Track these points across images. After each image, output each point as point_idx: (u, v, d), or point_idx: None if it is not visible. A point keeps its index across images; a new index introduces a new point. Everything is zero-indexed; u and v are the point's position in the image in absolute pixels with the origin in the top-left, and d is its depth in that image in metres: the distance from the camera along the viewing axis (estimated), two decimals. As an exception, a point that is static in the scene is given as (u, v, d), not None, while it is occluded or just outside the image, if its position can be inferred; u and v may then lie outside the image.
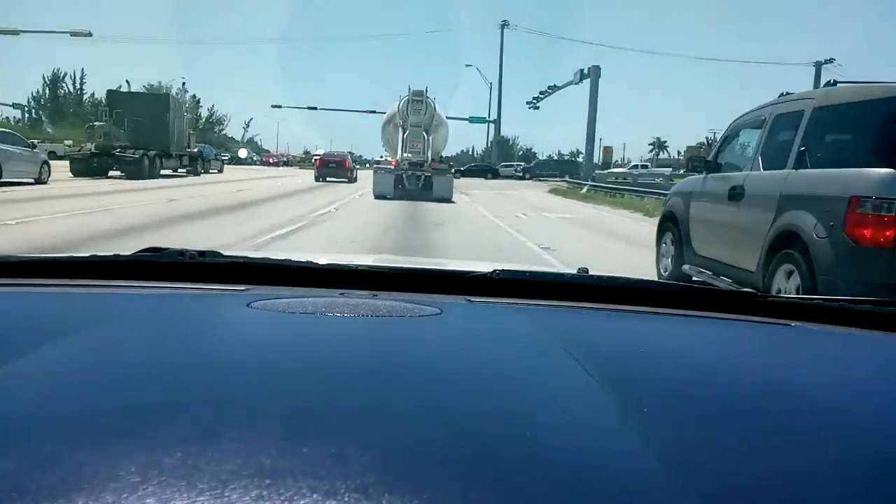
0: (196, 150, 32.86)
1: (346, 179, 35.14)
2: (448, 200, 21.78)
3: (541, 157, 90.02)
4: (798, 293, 4.61)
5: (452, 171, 23.38)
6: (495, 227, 14.08)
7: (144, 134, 27.92)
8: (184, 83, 74.76)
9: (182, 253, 1.24)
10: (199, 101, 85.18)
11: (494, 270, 1.27)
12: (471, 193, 28.65)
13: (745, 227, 5.79)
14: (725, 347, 1.03)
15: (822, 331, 1.12)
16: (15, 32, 36.57)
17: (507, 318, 1.11)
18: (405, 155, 22.53)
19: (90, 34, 36.74)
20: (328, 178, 35.33)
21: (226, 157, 44.25)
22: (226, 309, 1.08)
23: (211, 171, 37.05)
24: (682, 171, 50.61)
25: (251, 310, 0.99)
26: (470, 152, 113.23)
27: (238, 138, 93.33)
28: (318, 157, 42.23)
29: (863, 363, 1.00)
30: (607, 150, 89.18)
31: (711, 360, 0.95)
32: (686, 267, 6.94)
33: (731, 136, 7.05)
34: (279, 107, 74.92)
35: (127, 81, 30.30)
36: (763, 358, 0.99)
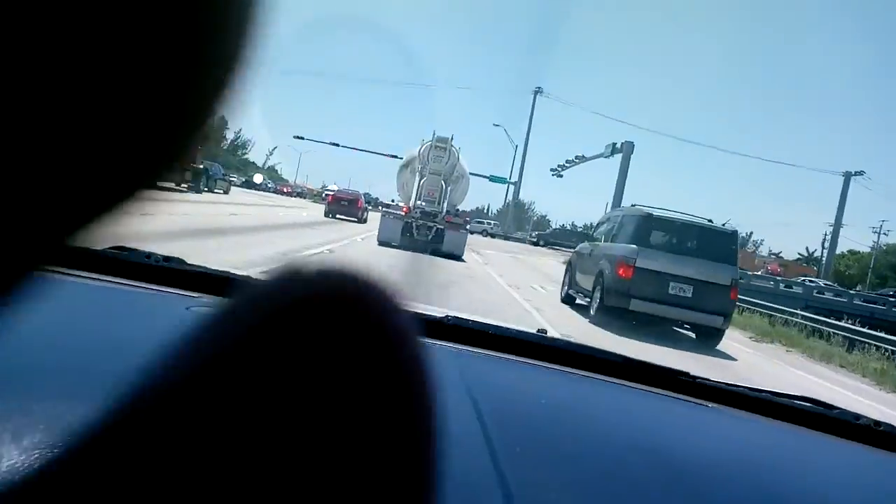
0: (201, 165, 31.01)
1: (355, 219, 33.82)
2: (458, 258, 19.78)
3: (555, 226, 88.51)
4: (601, 301, 11.17)
5: (467, 227, 21.43)
6: (511, 302, 11.97)
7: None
8: None
9: (148, 255, 1.29)
10: (226, 122, 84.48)
11: (447, 316, 1.32)
12: (483, 254, 26.67)
13: (591, 269, 12.14)
14: (626, 413, 1.08)
15: (733, 414, 1.17)
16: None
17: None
18: (419, 203, 20.61)
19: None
20: (338, 216, 33.98)
21: (234, 179, 42.36)
22: (159, 308, 1.10)
23: (216, 190, 35.26)
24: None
25: (186, 312, 1.00)
26: (486, 210, 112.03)
27: (260, 164, 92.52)
28: (330, 193, 40.61)
29: (752, 446, 1.06)
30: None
31: (606, 423, 0.99)
32: (571, 291, 13.64)
33: (597, 224, 14.98)
34: (301, 138, 73.44)
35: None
36: (655, 427, 1.03)
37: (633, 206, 12.57)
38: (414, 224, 20.51)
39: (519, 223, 72.07)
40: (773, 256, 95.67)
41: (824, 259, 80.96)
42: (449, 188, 21.17)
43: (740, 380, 1.36)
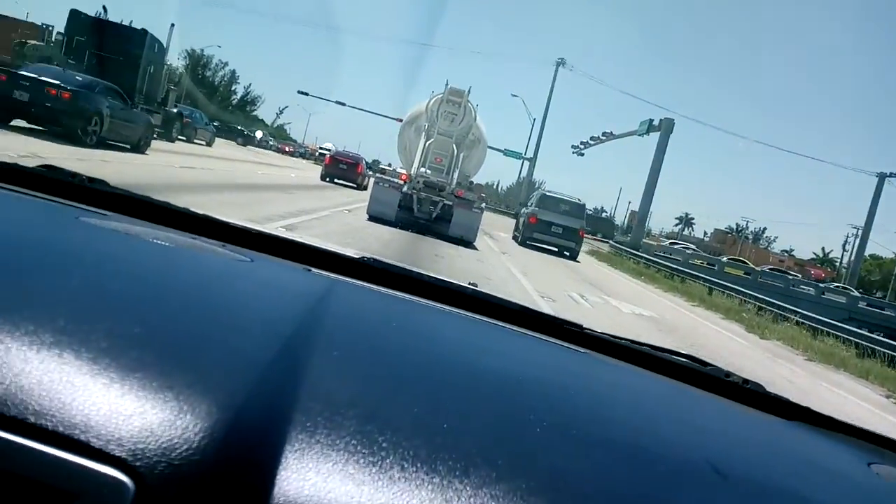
0: (175, 110, 26.65)
1: (354, 185, 29.91)
2: (469, 244, 15.54)
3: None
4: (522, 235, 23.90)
5: (482, 204, 17.08)
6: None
7: (104, 75, 21.78)
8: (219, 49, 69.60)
9: (73, 175, 1.30)
10: (236, 76, 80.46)
11: (364, 257, 1.29)
12: (497, 237, 22.39)
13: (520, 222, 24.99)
14: (495, 351, 1.05)
15: (615, 365, 1.17)
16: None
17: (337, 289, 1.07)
18: (423, 170, 16.29)
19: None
20: (336, 180, 30.12)
21: (213, 127, 37.30)
22: (55, 219, 1.08)
23: (196, 140, 30.95)
24: (723, 258, 44.83)
25: (78, 221, 1.00)
26: (496, 186, 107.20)
27: (269, 122, 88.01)
28: (327, 153, 36.27)
29: (627, 391, 1.06)
30: (634, 215, 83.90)
31: (460, 353, 0.97)
32: (515, 233, 25.29)
33: (531, 200, 26.59)
34: (305, 94, 69.03)
35: (104, 7, 23.98)
36: (524, 365, 1.01)
37: (541, 189, 29.30)
38: (415, 196, 16.21)
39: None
40: (785, 254, 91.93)
41: (843, 261, 77.52)
42: (462, 154, 16.81)
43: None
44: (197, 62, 76.40)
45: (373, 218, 15.40)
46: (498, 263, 13.41)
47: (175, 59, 76.79)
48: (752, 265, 50.92)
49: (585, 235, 24.39)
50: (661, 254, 33.46)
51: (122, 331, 0.59)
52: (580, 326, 1.27)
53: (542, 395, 0.83)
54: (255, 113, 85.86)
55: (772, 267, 59.48)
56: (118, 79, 21.95)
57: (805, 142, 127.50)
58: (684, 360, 1.24)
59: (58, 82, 14.16)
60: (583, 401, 0.89)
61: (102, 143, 15.19)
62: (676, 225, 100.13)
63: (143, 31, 22.95)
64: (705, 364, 1.24)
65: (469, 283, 1.44)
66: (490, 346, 1.07)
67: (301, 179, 26.28)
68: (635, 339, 1.27)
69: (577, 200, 23.92)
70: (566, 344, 1.19)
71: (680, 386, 1.15)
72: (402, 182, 16.08)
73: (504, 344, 1.11)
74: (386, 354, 0.80)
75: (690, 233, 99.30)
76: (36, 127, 14.29)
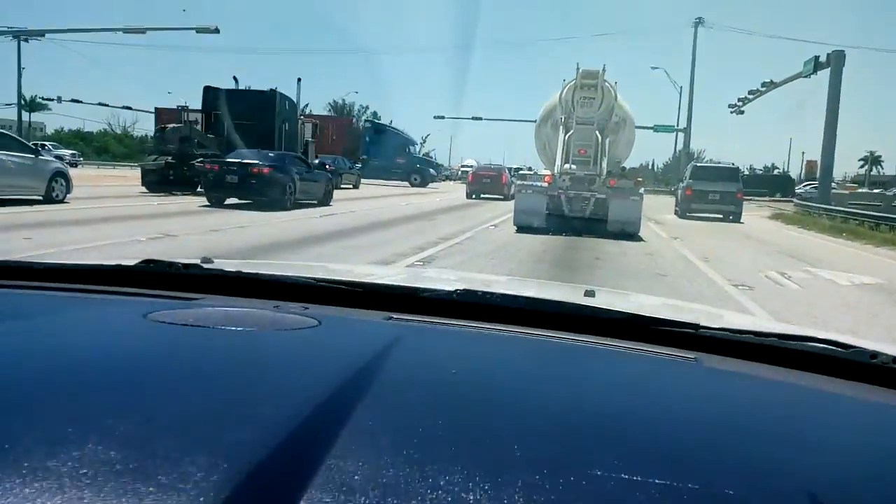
0: (317, 160, 27.02)
1: (501, 196, 30.03)
2: (633, 236, 13.84)
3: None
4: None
5: (641, 190, 15.24)
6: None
7: (244, 141, 22.37)
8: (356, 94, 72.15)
9: (170, 265, 1.36)
10: (377, 117, 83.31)
11: (456, 290, 1.26)
12: (663, 221, 20.30)
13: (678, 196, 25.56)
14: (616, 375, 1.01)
15: (723, 366, 1.05)
16: (141, 31, 33.19)
17: (378, 331, 1.11)
18: (567, 166, 14.79)
19: (217, 30, 32.68)
20: (482, 195, 30.24)
21: (358, 169, 38.12)
22: (119, 317, 1.13)
23: (343, 185, 31.49)
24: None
25: (144, 320, 1.03)
26: (650, 166, 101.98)
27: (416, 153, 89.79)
28: (470, 171, 35.76)
29: (744, 403, 0.95)
30: (810, 165, 76.34)
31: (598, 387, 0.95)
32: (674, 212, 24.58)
33: (685, 175, 25.79)
34: (442, 118, 69.46)
35: (234, 78, 24.86)
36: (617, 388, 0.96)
37: (693, 162, 33.11)
38: (563, 196, 14.73)
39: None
40: None
41: None
42: (608, 140, 15.14)
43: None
44: (341, 111, 79.61)
45: (522, 229, 14.13)
46: (671, 253, 11.63)
47: (322, 111, 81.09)
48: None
49: (745, 197, 24.17)
50: (853, 203, 29.33)
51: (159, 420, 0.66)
52: (696, 326, 1.14)
53: (648, 445, 0.72)
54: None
55: None
56: (256, 141, 22.49)
57: None
58: (819, 345, 1.05)
59: (258, 161, 17.18)
60: (693, 440, 0.77)
61: (297, 204, 17.48)
62: (862, 167, 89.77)
63: (272, 92, 23.44)
64: (846, 347, 1.05)
65: (585, 292, 1.49)
66: (588, 377, 1.00)
67: (446, 202, 25.60)
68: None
69: (729, 165, 25.36)
70: (681, 353, 1.06)
71: (817, 382, 0.99)
72: (546, 184, 14.67)
73: (604, 373, 1.01)
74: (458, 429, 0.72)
75: (881, 172, 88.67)
76: (246, 201, 17.05)
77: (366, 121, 50.82)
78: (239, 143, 22.18)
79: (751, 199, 39.86)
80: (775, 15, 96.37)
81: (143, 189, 20.53)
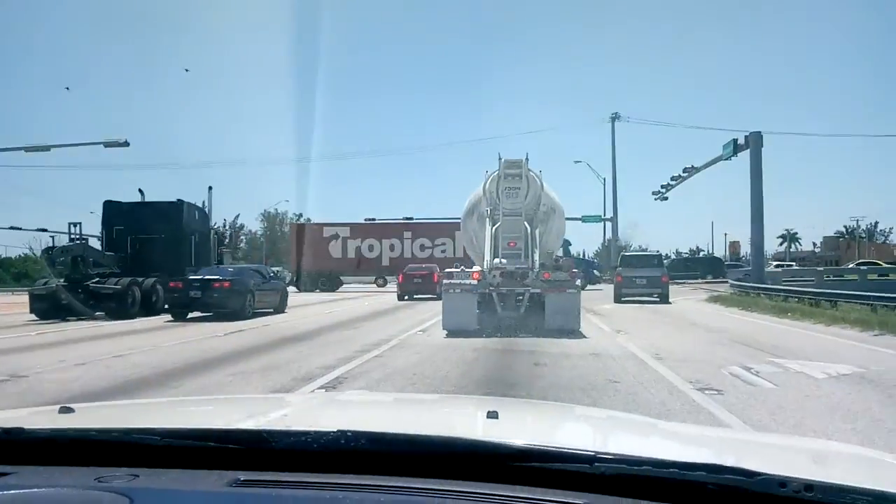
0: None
1: (434, 296, 27.81)
2: (573, 332, 12.56)
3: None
4: None
5: (577, 282, 14.12)
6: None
7: (150, 255, 20.60)
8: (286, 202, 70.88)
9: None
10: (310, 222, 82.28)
11: (341, 433, 1.16)
12: (602, 311, 19.21)
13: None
14: None
15: None
16: (45, 148, 31.43)
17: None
18: (497, 261, 13.61)
19: (126, 143, 31.19)
20: (415, 296, 28.77)
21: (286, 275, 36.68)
22: None
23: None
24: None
25: None
26: (582, 256, 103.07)
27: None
28: (400, 272, 34.50)
29: None
30: (734, 246, 78.46)
31: None
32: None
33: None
34: (372, 220, 68.97)
35: (140, 191, 23.23)
36: None
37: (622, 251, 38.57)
38: (495, 294, 13.46)
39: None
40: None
41: None
42: (537, 230, 14.11)
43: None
44: (273, 220, 78.10)
45: (453, 333, 12.70)
46: (618, 351, 10.32)
47: (254, 222, 79.19)
48: (883, 264, 45.11)
49: (676, 280, 28.12)
50: (787, 281, 29.23)
51: None
52: (591, 459, 1.03)
53: None
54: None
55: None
56: (164, 254, 20.78)
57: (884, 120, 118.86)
58: (727, 476, 0.94)
59: (219, 277, 18.39)
60: None
61: (255, 314, 18.36)
62: (781, 244, 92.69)
63: (179, 203, 21.84)
64: (752, 475, 0.95)
65: (488, 414, 1.37)
66: None
67: (376, 306, 24.09)
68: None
69: (654, 252, 28.98)
70: (568, 501, 0.96)
71: None
72: (475, 281, 13.38)
73: None
74: None
75: (798, 248, 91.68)
76: (207, 313, 17.78)
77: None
78: (144, 260, 20.41)
79: (684, 283, 39.71)
80: (692, 105, 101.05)
81: (33, 316, 18.32)
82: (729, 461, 1.01)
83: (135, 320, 17.70)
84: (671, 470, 0.99)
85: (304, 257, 43.12)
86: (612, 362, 9.08)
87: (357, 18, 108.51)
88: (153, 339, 12.75)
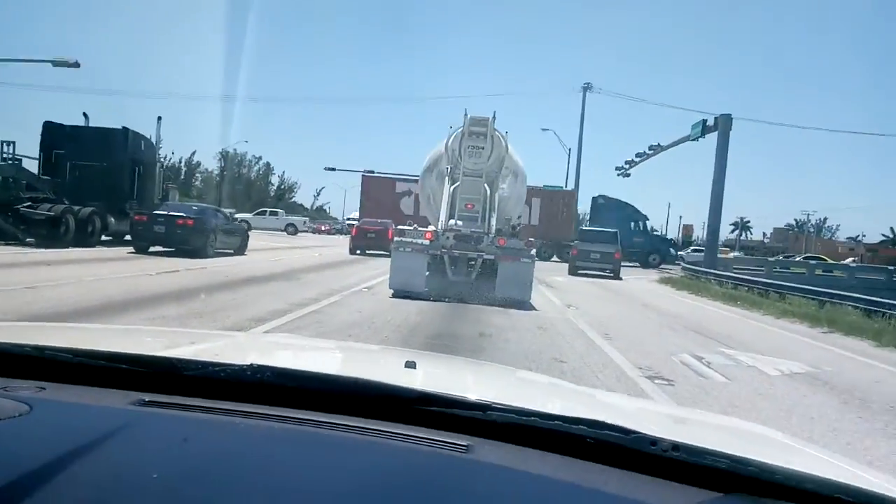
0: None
1: (387, 252, 26.98)
2: (524, 304, 12.14)
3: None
4: None
5: (532, 251, 13.63)
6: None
7: (90, 184, 19.45)
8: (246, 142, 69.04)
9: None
10: (271, 168, 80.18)
11: (223, 369, 1.19)
12: (555, 283, 18.88)
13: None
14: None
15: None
16: (-11, 59, 29.57)
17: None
18: (452, 222, 13.04)
19: (77, 64, 29.44)
20: (368, 251, 27.62)
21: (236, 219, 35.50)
22: None
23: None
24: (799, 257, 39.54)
25: None
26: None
27: (308, 206, 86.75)
28: (353, 225, 33.68)
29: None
30: (687, 229, 79.22)
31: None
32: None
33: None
34: (332, 169, 67.91)
35: (84, 114, 21.80)
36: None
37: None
38: (446, 257, 12.90)
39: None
40: (853, 241, 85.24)
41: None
42: (497, 195, 13.54)
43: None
44: (231, 161, 75.95)
45: (399, 293, 12.15)
46: (567, 327, 9.91)
47: (211, 161, 76.92)
48: (829, 260, 45.97)
49: (621, 256, 27.05)
50: (738, 268, 29.46)
51: None
52: (484, 408, 1.11)
53: None
54: (293, 200, 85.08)
55: (853, 259, 54.28)
56: (104, 184, 19.64)
57: (852, 117, 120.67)
58: (605, 432, 1.04)
59: (183, 214, 18.48)
60: None
61: (217, 254, 18.72)
62: (732, 231, 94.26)
63: (124, 131, 20.55)
64: (628, 432, 1.04)
65: (406, 363, 1.48)
66: (328, 472, 0.94)
67: (326, 258, 23.37)
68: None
69: (609, 230, 28.02)
70: (453, 440, 1.03)
71: (590, 474, 0.98)
72: (427, 242, 12.78)
73: (349, 468, 0.95)
74: None
75: (748, 237, 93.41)
76: (170, 248, 18.03)
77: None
78: (83, 188, 19.27)
79: (636, 263, 39.75)
80: (664, 83, 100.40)
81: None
82: (621, 422, 1.06)
83: (69, 249, 16.73)
84: (555, 422, 1.07)
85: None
86: (559, 339, 8.65)
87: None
88: (79, 272, 11.90)
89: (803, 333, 12.15)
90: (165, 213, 18.38)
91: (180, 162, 71.26)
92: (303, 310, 9.39)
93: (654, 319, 12.38)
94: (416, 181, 35.13)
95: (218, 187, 67.77)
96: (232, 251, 20.02)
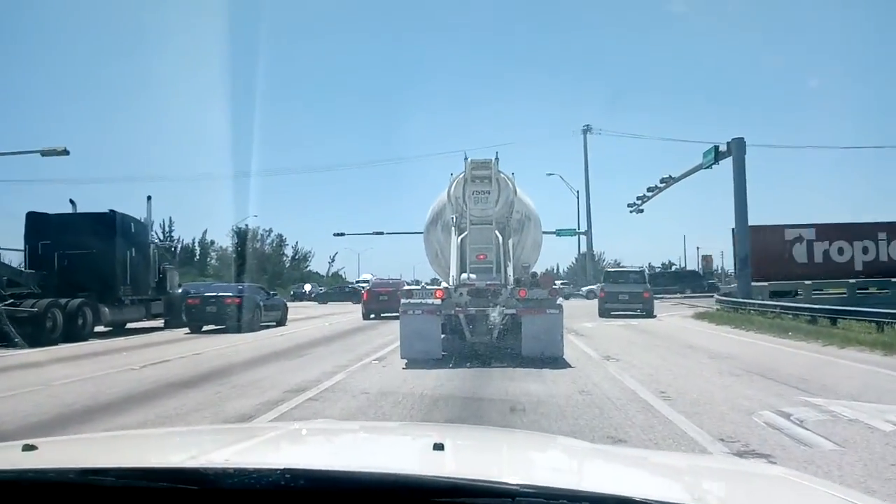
0: (180, 290, 22.86)
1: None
2: (555, 359, 10.63)
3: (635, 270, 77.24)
4: None
5: (559, 300, 12.12)
6: None
7: (80, 273, 18.31)
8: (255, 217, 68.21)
9: None
10: (284, 240, 79.42)
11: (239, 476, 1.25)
12: (584, 330, 17.32)
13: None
14: None
15: None
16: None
17: None
18: (464, 276, 11.65)
19: (66, 152, 28.77)
20: (381, 314, 25.96)
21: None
22: None
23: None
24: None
25: None
26: (556, 270, 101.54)
27: (323, 273, 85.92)
28: (365, 288, 32.33)
29: None
30: (707, 259, 77.44)
31: None
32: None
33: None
34: (342, 234, 66.77)
35: (71, 201, 20.80)
36: None
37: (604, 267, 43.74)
38: (462, 315, 11.45)
39: (595, 277, 62.05)
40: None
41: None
42: (510, 241, 12.19)
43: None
44: (243, 236, 75.13)
45: (413, 363, 10.69)
46: (613, 388, 8.36)
47: (224, 237, 76.13)
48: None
49: (656, 296, 26.94)
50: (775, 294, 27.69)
51: None
52: (514, 493, 1.12)
53: None
54: (308, 268, 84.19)
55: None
56: (96, 272, 18.49)
57: (858, 135, 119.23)
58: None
59: (231, 294, 21.04)
60: None
61: (262, 326, 20.54)
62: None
63: (111, 214, 19.47)
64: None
65: (434, 445, 1.45)
66: None
67: (337, 326, 22.00)
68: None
69: (637, 269, 28.95)
70: None
71: None
72: (438, 301, 11.34)
73: None
74: None
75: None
76: (220, 326, 19.91)
77: None
78: (73, 277, 18.12)
79: (662, 297, 37.99)
80: (662, 119, 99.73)
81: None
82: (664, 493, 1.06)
83: (59, 346, 15.45)
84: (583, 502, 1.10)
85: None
86: (608, 406, 7.11)
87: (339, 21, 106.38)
88: (68, 371, 10.54)
89: (884, 365, 10.51)
90: (215, 294, 20.87)
91: (193, 242, 70.56)
92: (303, 395, 7.92)
93: (709, 365, 10.76)
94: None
95: (234, 264, 66.61)
96: (275, 323, 22.10)
